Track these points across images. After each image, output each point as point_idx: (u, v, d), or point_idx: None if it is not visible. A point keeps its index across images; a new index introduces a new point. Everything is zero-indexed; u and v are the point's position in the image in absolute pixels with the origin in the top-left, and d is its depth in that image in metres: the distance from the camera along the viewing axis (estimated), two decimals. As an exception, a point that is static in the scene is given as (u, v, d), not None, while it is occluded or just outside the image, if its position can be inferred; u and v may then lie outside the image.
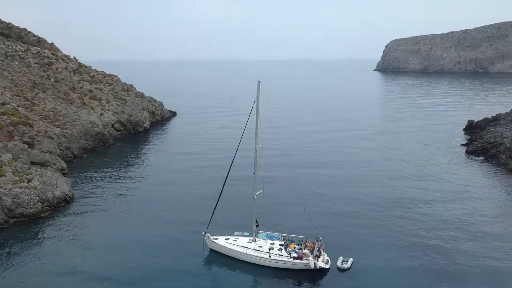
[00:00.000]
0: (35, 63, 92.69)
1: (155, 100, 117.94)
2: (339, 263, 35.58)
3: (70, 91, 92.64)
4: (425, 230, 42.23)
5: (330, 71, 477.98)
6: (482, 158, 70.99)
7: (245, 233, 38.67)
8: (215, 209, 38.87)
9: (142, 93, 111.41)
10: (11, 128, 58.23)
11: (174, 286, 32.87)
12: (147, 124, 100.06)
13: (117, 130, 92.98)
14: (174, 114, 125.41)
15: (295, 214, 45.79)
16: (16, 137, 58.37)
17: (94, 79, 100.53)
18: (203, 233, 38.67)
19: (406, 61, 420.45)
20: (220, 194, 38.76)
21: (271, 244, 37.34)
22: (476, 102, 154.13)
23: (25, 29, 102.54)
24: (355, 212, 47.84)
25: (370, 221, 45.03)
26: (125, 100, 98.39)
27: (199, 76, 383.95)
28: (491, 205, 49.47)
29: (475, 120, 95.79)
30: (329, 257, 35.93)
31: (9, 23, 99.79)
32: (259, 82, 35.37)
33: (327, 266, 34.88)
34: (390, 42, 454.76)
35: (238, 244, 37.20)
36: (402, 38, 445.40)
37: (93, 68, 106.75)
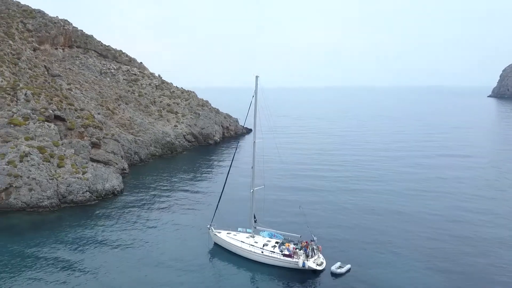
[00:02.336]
0: (123, 79, 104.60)
1: (230, 116, 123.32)
2: (334, 267, 33.36)
3: (151, 104, 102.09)
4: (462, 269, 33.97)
5: (437, 97, 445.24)
6: None
7: (248, 230, 38.64)
8: (218, 203, 39.77)
9: (217, 109, 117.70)
10: (82, 129, 66.37)
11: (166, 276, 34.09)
12: (217, 137, 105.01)
13: (189, 141, 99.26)
14: (249, 130, 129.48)
15: (296, 213, 44.24)
16: (86, 137, 66.26)
17: (173, 94, 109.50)
18: (208, 226, 39.56)
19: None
20: (223, 189, 39.61)
21: (268, 241, 36.65)
22: None
23: (120, 50, 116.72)
24: (385, 230, 44.01)
25: (400, 239, 40.40)
26: (199, 114, 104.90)
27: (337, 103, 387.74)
28: None
29: None
30: (327, 260, 34.06)
31: (108, 46, 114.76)
32: (256, 77, 35.96)
33: (318, 268, 32.95)
34: (508, 66, 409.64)
35: (236, 239, 37.25)
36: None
37: (174, 85, 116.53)
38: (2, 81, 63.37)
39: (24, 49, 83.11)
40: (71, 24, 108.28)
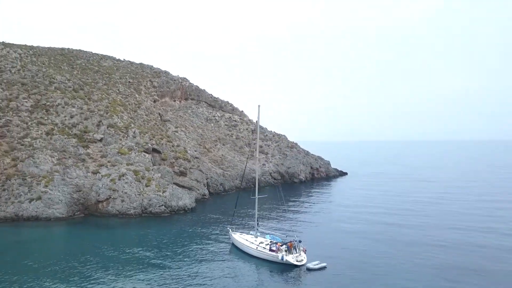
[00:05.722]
0: (224, 124, 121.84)
1: (322, 159, 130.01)
2: (310, 264, 38.78)
3: (245, 146, 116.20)
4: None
5: None
6: None
7: (257, 234, 46.43)
8: (234, 211, 48.87)
9: (307, 151, 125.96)
10: (173, 160, 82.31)
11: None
12: (302, 177, 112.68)
13: (274, 179, 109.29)
14: (343, 173, 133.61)
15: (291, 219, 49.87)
16: (175, 167, 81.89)
17: (266, 137, 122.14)
18: (228, 228, 48.47)
19: None
20: (237, 199, 48.73)
21: (265, 240, 43.75)
22: None
23: (227, 101, 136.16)
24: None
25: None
26: (286, 154, 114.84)
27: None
28: None
29: None
30: (309, 259, 39.76)
31: (216, 98, 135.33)
32: (259, 106, 45.34)
33: (296, 263, 38.81)
34: None
35: (243, 238, 45.29)
36: None
37: (268, 129, 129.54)
38: (120, 122, 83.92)
39: (146, 101, 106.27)
40: (188, 80, 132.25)
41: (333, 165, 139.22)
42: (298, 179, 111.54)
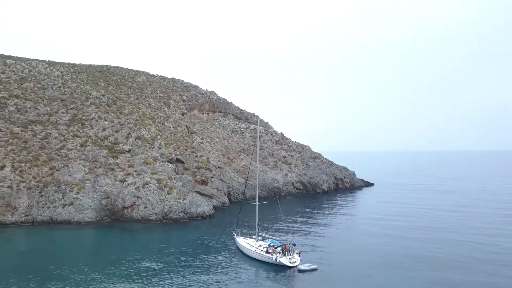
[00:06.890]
0: (249, 136, 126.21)
1: (346, 169, 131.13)
2: (301, 266, 41.92)
3: (269, 156, 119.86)
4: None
5: None
6: None
7: (258, 238, 49.99)
8: (239, 217, 52.53)
9: (331, 162, 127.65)
10: (195, 170, 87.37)
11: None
12: (325, 187, 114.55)
13: (297, 189, 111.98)
14: (369, 184, 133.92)
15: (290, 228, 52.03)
16: (197, 176, 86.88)
17: (290, 148, 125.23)
18: (234, 233, 52.38)
19: None
20: (241, 207, 52.33)
21: (264, 244, 47.24)
22: None
23: (253, 113, 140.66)
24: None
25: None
26: (309, 165, 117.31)
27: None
28: None
29: None
30: (301, 261, 42.90)
31: (243, 110, 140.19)
32: (258, 116, 49.19)
33: (289, 264, 42.08)
34: None
35: (245, 242, 49.05)
36: None
37: (293, 140, 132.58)
38: (147, 134, 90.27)
39: (174, 114, 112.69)
40: (216, 94, 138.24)
41: (359, 176, 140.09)
42: (321, 190, 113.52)
